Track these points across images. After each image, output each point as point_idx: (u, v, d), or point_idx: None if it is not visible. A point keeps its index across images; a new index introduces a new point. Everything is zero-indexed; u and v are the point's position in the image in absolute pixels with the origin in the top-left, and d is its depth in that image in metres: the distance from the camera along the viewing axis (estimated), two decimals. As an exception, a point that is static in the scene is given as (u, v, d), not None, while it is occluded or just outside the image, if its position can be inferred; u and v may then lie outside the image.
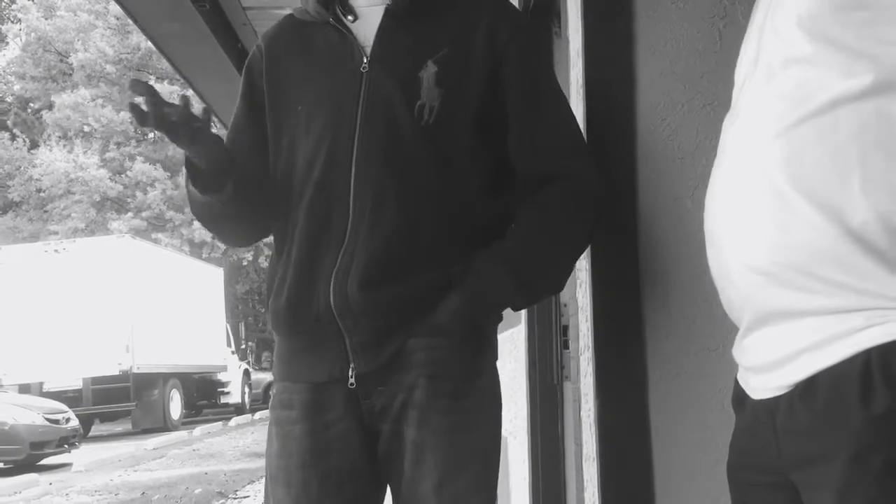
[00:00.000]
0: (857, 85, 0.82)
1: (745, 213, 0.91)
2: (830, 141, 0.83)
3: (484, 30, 1.44)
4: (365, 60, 1.43)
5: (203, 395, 18.33)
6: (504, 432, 3.65)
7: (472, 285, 1.39)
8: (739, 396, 1.00)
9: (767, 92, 0.91)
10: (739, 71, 1.00)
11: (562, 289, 1.55)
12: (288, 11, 1.62)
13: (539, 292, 1.55)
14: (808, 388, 0.86)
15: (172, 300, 16.15)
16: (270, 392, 1.52)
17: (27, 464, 11.05)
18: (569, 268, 1.49)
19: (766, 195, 0.88)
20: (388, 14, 1.45)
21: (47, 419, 11.50)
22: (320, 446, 1.41)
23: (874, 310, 0.81)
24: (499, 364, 1.55)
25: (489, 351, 1.49)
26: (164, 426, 15.61)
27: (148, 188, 24.46)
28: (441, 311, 1.39)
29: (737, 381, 1.01)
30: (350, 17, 1.47)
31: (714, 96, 1.62)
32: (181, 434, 14.89)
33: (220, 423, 16.80)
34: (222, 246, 21.88)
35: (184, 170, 1.47)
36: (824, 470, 0.83)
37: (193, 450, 12.63)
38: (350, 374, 1.39)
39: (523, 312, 2.85)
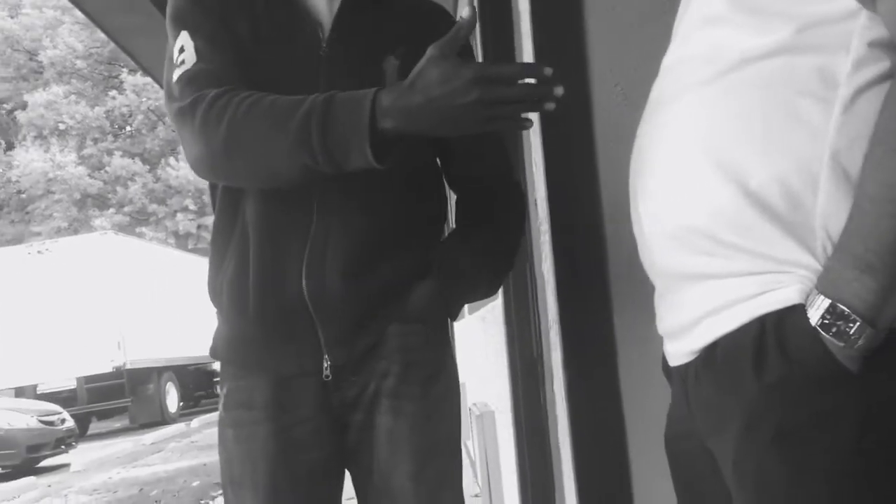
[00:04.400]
0: (767, 43, 0.80)
1: (656, 175, 0.88)
2: (736, 100, 0.81)
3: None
4: (323, 43, 1.37)
5: (199, 386, 18.32)
6: (492, 406, 3.64)
7: (446, 271, 1.38)
8: (666, 364, 0.98)
9: (684, 53, 0.88)
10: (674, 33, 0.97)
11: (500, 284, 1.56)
12: None
13: (501, 277, 1.52)
14: (709, 356, 0.84)
15: (161, 293, 16.11)
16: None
17: (25, 467, 11.03)
18: (513, 262, 1.54)
19: (674, 157, 0.85)
20: (347, 1, 1.39)
21: (42, 421, 11.48)
22: (289, 446, 1.35)
23: (770, 273, 0.79)
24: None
25: (449, 334, 1.48)
26: (162, 420, 15.61)
27: (128, 182, 24.32)
28: (417, 298, 1.36)
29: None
30: None
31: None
32: (179, 426, 14.90)
33: (217, 412, 16.82)
34: (207, 236, 21.76)
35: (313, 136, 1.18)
36: (723, 439, 0.82)
37: (192, 441, 12.63)
38: (325, 366, 1.33)
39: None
